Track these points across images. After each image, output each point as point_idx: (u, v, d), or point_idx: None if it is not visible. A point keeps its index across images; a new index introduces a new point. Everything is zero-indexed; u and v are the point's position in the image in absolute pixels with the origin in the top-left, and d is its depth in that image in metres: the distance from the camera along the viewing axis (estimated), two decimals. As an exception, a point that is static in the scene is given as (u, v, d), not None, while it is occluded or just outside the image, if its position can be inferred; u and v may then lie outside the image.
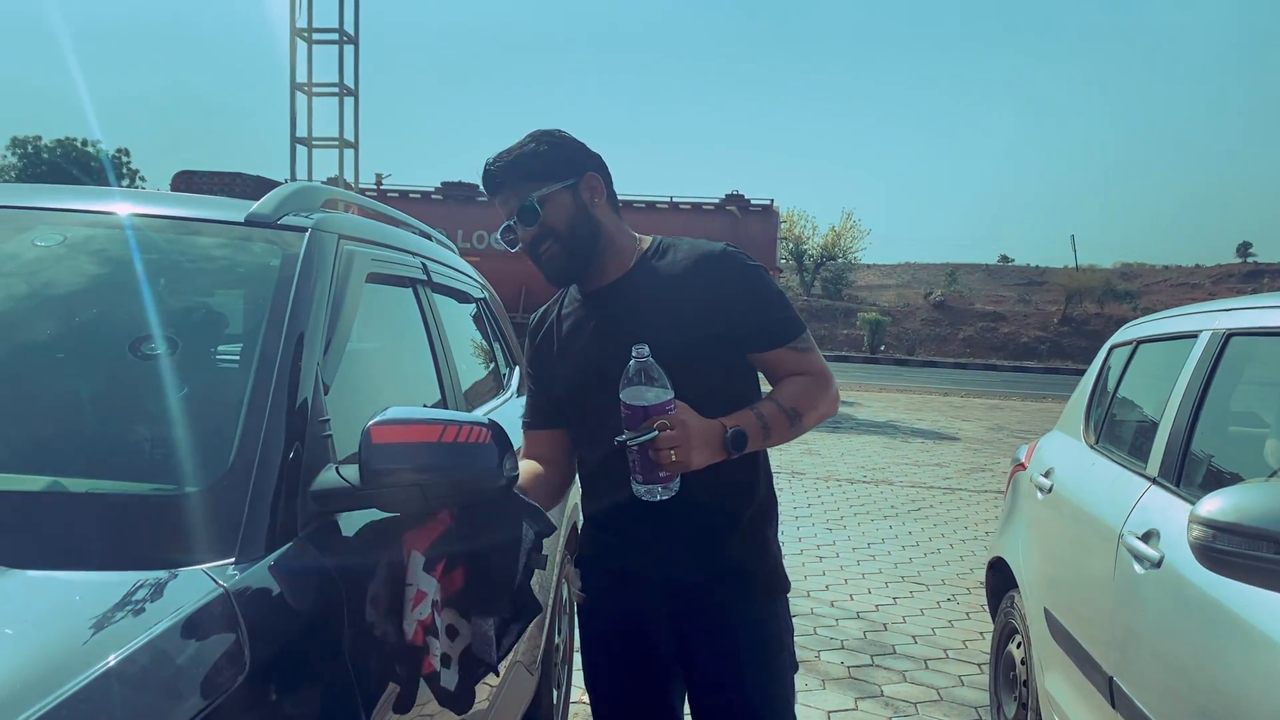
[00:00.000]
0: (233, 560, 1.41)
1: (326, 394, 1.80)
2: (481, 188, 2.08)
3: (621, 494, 1.94)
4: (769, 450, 2.11)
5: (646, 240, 2.15)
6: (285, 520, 1.54)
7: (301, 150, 15.98)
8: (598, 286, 2.10)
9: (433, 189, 16.46)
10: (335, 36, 15.02)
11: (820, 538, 7.38)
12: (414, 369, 2.51)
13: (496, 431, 1.70)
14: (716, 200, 18.10)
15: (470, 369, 3.09)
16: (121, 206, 2.06)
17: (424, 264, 2.67)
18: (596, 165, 2.08)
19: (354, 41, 15.10)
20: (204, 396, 1.71)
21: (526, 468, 2.16)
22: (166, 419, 1.63)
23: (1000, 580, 3.87)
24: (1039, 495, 3.48)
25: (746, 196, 18.08)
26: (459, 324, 3.16)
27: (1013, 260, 77.13)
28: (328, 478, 1.64)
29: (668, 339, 1.96)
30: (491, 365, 3.45)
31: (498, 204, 2.06)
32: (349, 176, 16.20)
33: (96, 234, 1.98)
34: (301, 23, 14.83)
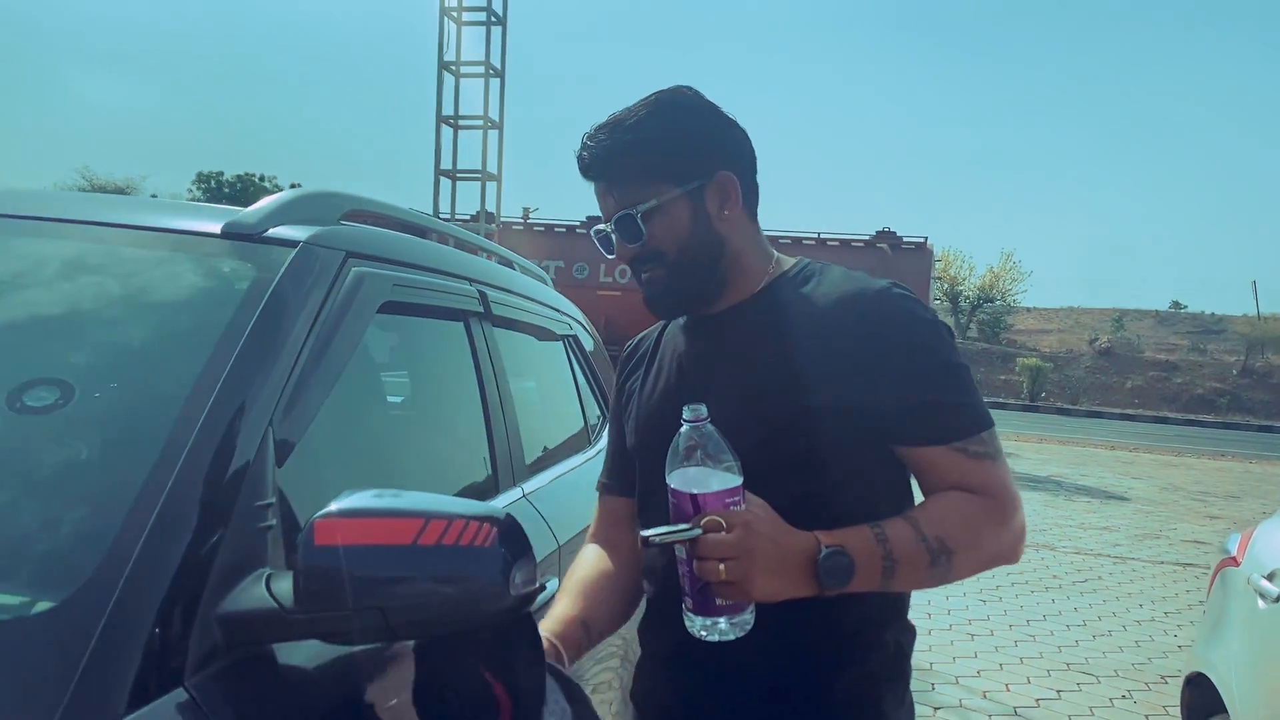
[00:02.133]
0: (45, 733, 0.92)
1: (281, 465, 1.31)
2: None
3: (673, 612, 1.37)
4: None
5: (787, 262, 1.57)
6: (163, 662, 1.05)
7: (445, 183, 16.00)
8: (710, 311, 1.54)
9: (578, 222, 16.19)
10: (481, 70, 15.00)
11: (972, 610, 6.56)
12: (450, 424, 2.03)
13: (507, 530, 1.19)
14: (867, 237, 17.33)
15: (544, 421, 2.59)
16: (86, 212, 1.64)
17: (482, 293, 2.18)
18: (732, 156, 1.51)
19: (502, 22, 15.11)
20: (84, 469, 1.23)
21: (587, 559, 1.62)
22: (18, 501, 1.17)
23: (1203, 700, 3.12)
24: (1261, 603, 2.73)
25: (898, 233, 17.30)
26: (533, 366, 2.67)
27: (1186, 307, 72.74)
28: (249, 595, 1.15)
29: (772, 400, 1.41)
30: (575, 416, 2.93)
31: (595, 192, 1.52)
32: (490, 208, 16.13)
33: (28, 247, 1.56)
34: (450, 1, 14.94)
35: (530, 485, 2.14)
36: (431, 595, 1.15)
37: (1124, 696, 5.07)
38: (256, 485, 1.25)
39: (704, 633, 1.31)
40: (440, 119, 15.58)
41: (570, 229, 16.18)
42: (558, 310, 2.90)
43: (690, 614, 1.31)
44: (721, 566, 1.22)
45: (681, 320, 1.61)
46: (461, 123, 15.73)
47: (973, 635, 5.99)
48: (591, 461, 2.70)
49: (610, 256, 1.51)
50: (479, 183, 16.11)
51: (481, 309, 2.15)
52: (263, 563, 1.22)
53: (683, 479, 1.27)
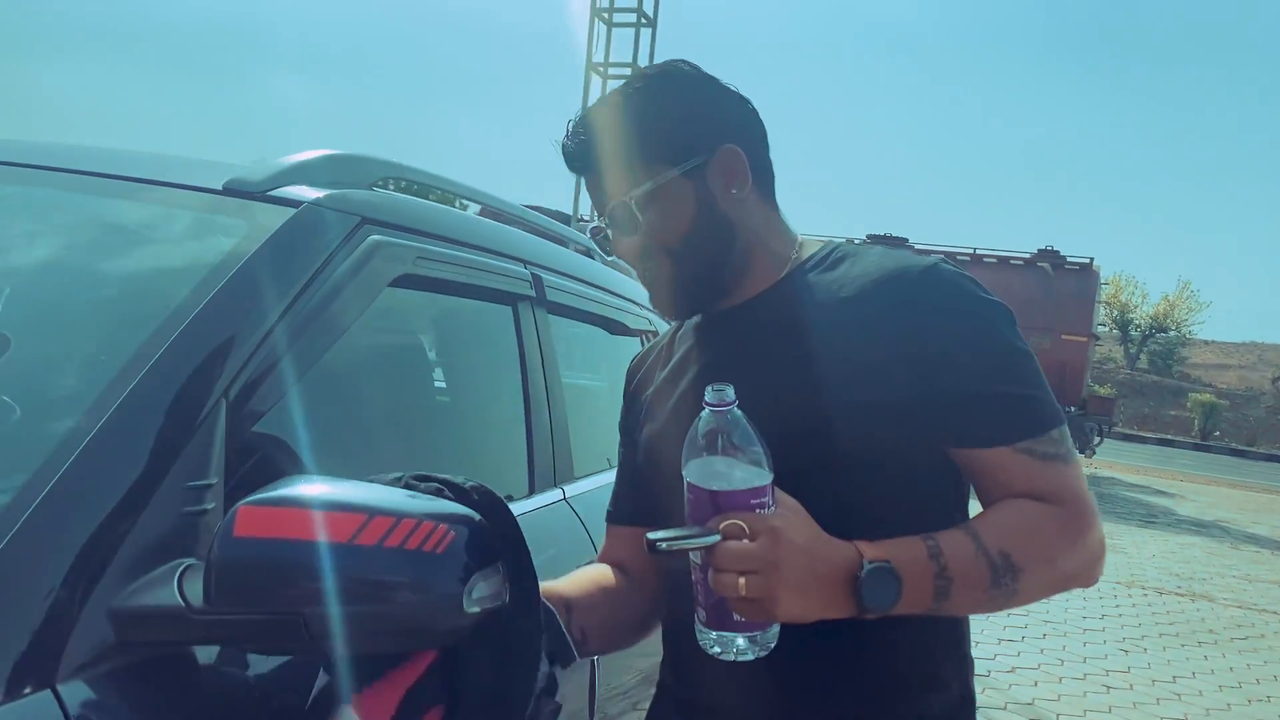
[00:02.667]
0: None
1: (238, 443, 1.16)
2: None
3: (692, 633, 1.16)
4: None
5: (814, 245, 1.36)
6: (33, 656, 0.91)
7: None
8: (725, 306, 1.34)
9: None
10: (634, 19, 14.96)
11: (1112, 660, 6.02)
12: (482, 414, 1.86)
13: (470, 534, 1.02)
14: (1027, 255, 16.55)
15: (607, 422, 2.40)
16: (96, 164, 1.54)
17: (536, 276, 2.01)
18: (737, 129, 1.31)
19: (652, 24, 15.05)
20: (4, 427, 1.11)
21: (591, 577, 1.42)
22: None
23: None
24: None
25: (1062, 253, 16.46)
26: (602, 361, 2.49)
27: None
28: (156, 588, 1.00)
29: (803, 400, 1.20)
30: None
31: (586, 187, 1.35)
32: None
33: (21, 195, 1.47)
34: (602, 2, 14.98)
35: (574, 488, 1.96)
36: (364, 604, 0.99)
37: (1279, 772, 4.53)
38: (194, 463, 1.11)
39: (718, 650, 1.11)
40: (590, 65, 15.55)
41: None
42: (633, 303, 2.71)
43: (703, 628, 1.11)
44: (741, 581, 1.02)
45: (694, 320, 1.41)
46: (612, 72, 15.68)
47: (1109, 688, 5.49)
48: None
49: (611, 258, 1.33)
50: None
51: (534, 293, 1.98)
52: (188, 553, 1.07)
53: (702, 472, 1.07)
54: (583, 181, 1.34)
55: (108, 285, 1.34)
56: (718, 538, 1.03)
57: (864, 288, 1.23)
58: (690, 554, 1.09)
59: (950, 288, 1.21)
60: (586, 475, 2.07)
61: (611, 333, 2.50)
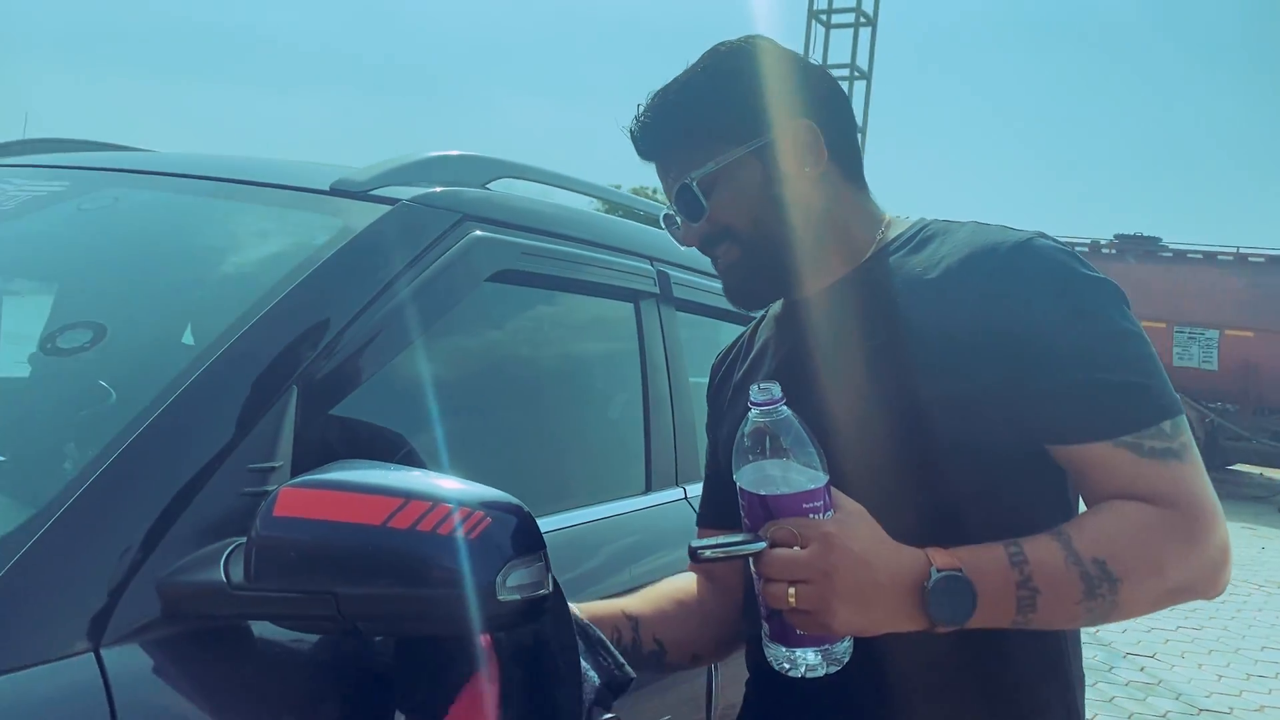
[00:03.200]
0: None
1: (308, 429, 1.20)
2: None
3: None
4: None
5: (902, 224, 1.27)
6: (80, 621, 0.97)
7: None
8: (804, 293, 1.27)
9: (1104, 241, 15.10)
10: (852, 19, 14.58)
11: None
12: (595, 411, 1.85)
13: (512, 522, 1.02)
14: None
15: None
16: (217, 170, 1.65)
17: (662, 273, 1.99)
18: (812, 104, 1.22)
19: (872, 23, 14.64)
20: (81, 407, 1.20)
21: (665, 589, 1.38)
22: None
23: None
24: None
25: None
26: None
27: None
28: (204, 564, 1.05)
29: (887, 393, 1.12)
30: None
31: (658, 176, 1.31)
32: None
33: (148, 200, 1.60)
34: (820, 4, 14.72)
35: (697, 488, 1.92)
36: (395, 586, 1.00)
37: None
38: (260, 444, 1.16)
39: (786, 666, 1.05)
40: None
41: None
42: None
43: (769, 642, 1.06)
44: (791, 591, 0.96)
45: (775, 309, 1.35)
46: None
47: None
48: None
49: (683, 249, 1.29)
50: None
51: (658, 289, 1.96)
52: (243, 533, 1.12)
53: (752, 477, 1.02)
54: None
55: (209, 278, 1.43)
56: (764, 545, 0.98)
57: (950, 268, 1.14)
58: (751, 565, 1.03)
59: (1043, 263, 1.10)
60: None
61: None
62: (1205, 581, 1.06)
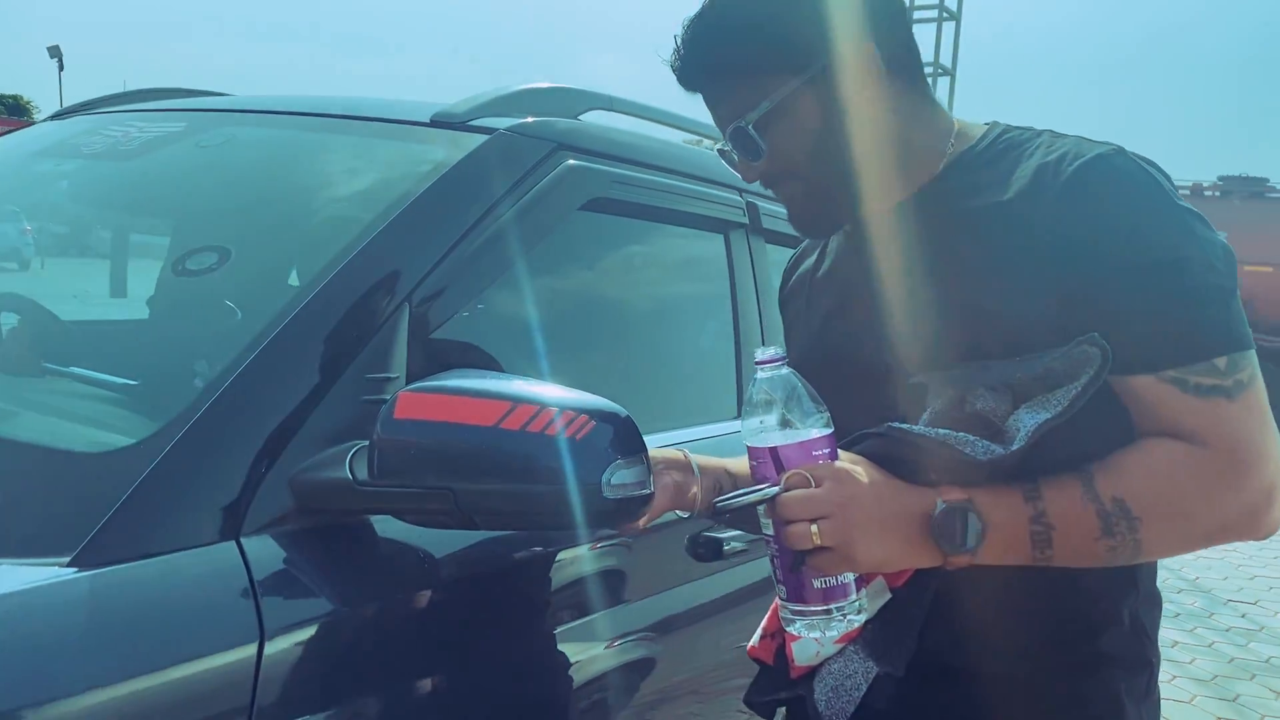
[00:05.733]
0: (66, 560, 0.95)
1: (423, 342, 1.27)
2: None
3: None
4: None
5: (975, 132, 1.20)
6: (221, 511, 1.05)
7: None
8: (876, 209, 1.21)
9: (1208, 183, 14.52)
10: (935, 14, 14.22)
11: None
12: (689, 344, 1.89)
13: (613, 426, 1.09)
14: None
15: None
16: (322, 107, 1.72)
17: (752, 205, 2.01)
18: (862, 15, 1.14)
19: (955, 18, 14.23)
20: (209, 322, 1.29)
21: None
22: (149, 346, 1.24)
23: None
24: None
25: None
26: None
27: None
28: (331, 463, 1.12)
29: (957, 315, 1.09)
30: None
31: (706, 105, 1.24)
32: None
33: (260, 136, 1.67)
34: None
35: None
36: (507, 483, 1.07)
37: None
38: (377, 356, 1.23)
39: (808, 632, 1.07)
40: None
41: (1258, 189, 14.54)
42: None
43: (786, 605, 1.07)
44: (813, 528, 0.98)
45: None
46: (915, 14, 14.98)
47: None
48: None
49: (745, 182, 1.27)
50: (930, 78, 15.37)
51: (747, 220, 1.99)
52: (365, 436, 1.19)
53: (760, 432, 1.05)
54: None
55: (322, 206, 1.50)
56: (779, 489, 1.00)
57: (1023, 187, 1.08)
58: (765, 532, 1.06)
59: (1114, 180, 1.04)
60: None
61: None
62: (1243, 524, 1.03)
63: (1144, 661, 1.17)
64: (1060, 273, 1.03)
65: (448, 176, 1.40)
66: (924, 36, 14.11)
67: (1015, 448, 0.99)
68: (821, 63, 1.13)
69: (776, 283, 2.00)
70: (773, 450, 1.03)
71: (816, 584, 1.02)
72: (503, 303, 1.47)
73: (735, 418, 1.84)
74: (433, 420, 1.07)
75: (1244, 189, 14.11)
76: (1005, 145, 1.16)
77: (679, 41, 1.18)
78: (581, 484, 1.06)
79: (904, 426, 1.05)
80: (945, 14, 13.92)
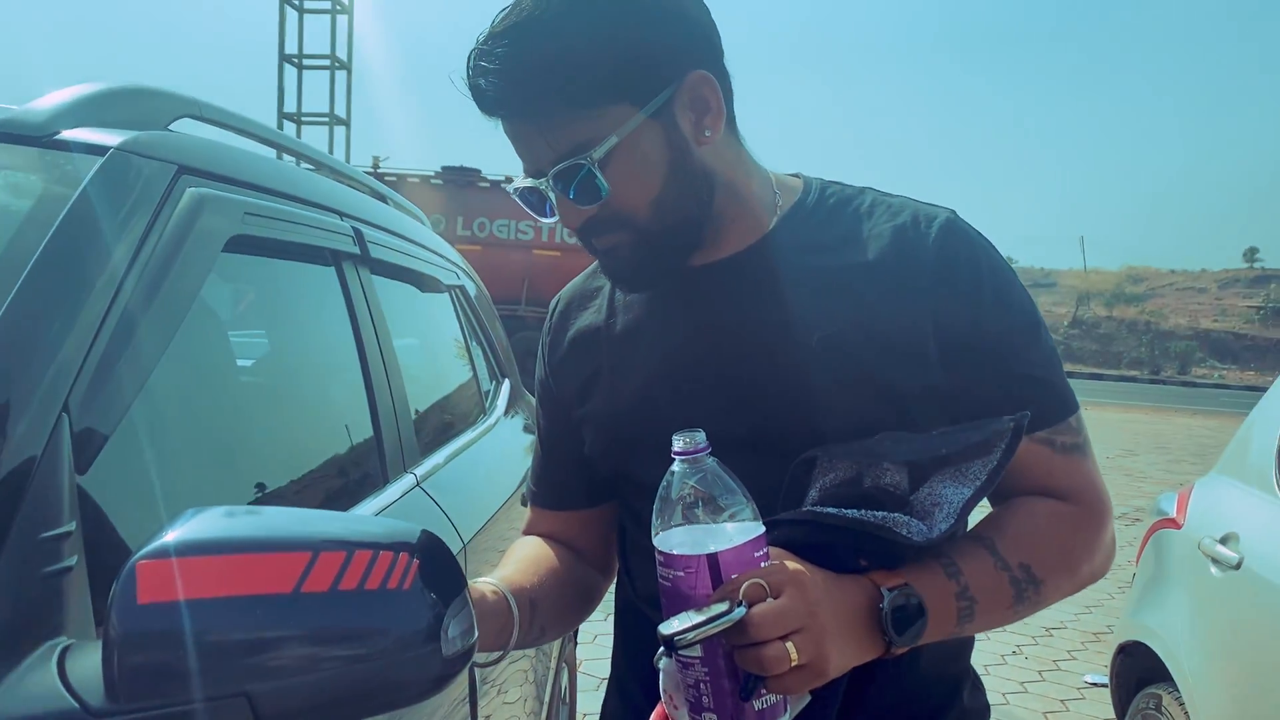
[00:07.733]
0: None
1: (84, 471, 0.87)
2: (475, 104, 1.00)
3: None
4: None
5: (792, 184, 1.14)
6: None
7: (289, 127, 14.97)
8: (702, 261, 1.09)
9: (432, 173, 15.29)
10: (328, 5, 13.97)
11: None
12: (325, 397, 1.59)
13: (431, 558, 0.81)
14: None
15: (431, 389, 2.15)
16: None
17: (358, 231, 1.73)
18: (700, 40, 1.01)
19: (347, 11, 14.10)
20: None
21: (539, 564, 1.19)
22: None
23: (1135, 670, 2.96)
24: (1214, 569, 2.55)
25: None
26: (418, 321, 2.23)
27: (1017, 261, 76.31)
28: (31, 685, 0.72)
29: (838, 378, 1.01)
30: (468, 380, 2.49)
31: (507, 133, 1.02)
32: (340, 156, 15.26)
33: None
34: None
35: (423, 469, 1.72)
36: (324, 670, 0.76)
37: (1014, 652, 4.98)
38: (43, 508, 0.81)
39: None
40: (284, 57, 14.55)
41: (424, 179, 15.28)
42: (443, 256, 2.45)
43: None
44: (790, 645, 0.83)
45: None
46: (306, 62, 14.73)
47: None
48: (488, 436, 2.28)
49: (547, 220, 1.05)
50: (326, 127, 15.17)
51: (358, 250, 1.71)
52: (57, 631, 0.79)
53: (688, 537, 0.88)
54: (288, 126, 1.10)
55: None
56: (744, 610, 0.83)
57: (885, 249, 1.04)
58: (685, 655, 0.87)
59: (975, 249, 1.06)
60: (430, 453, 1.83)
61: (423, 290, 2.24)
62: (1104, 569, 1.10)
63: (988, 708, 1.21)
64: (942, 343, 1.01)
65: (72, 221, 0.98)
66: (318, 29, 13.80)
67: (946, 527, 0.93)
68: (668, 93, 0.98)
69: (402, 326, 1.76)
70: (711, 558, 0.85)
71: (758, 706, 0.86)
72: (166, 391, 1.07)
73: (383, 486, 1.58)
74: (201, 599, 0.73)
75: (459, 178, 15.44)
76: (835, 201, 1.11)
77: (488, 56, 0.95)
78: (424, 646, 0.80)
79: (829, 510, 0.93)
80: (338, 6, 13.69)
